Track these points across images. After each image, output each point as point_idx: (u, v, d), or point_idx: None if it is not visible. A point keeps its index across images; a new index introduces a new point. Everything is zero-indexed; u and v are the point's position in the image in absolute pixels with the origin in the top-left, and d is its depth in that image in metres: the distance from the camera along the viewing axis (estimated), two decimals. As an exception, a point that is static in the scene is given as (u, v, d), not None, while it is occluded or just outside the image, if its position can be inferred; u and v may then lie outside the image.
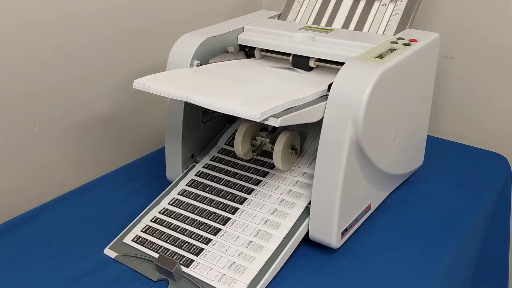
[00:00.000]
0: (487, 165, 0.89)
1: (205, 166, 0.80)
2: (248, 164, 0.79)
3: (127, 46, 0.95)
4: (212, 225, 0.70)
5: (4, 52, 0.78)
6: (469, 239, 0.76)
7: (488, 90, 0.99)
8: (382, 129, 0.69)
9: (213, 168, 0.80)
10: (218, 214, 0.72)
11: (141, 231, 0.71)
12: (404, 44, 0.72)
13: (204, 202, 0.74)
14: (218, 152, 0.82)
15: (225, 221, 0.70)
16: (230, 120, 0.87)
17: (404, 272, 0.66)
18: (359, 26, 0.82)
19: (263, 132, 0.76)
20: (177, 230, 0.70)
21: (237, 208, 0.72)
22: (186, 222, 0.71)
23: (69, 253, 0.70)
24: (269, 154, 0.79)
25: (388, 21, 0.81)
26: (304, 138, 0.79)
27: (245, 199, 0.73)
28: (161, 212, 0.74)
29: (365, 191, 0.71)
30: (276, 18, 0.90)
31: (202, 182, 0.77)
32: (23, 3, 0.78)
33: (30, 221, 0.77)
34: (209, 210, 0.73)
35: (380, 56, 0.67)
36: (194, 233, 0.69)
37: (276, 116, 0.59)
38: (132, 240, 0.70)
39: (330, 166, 0.64)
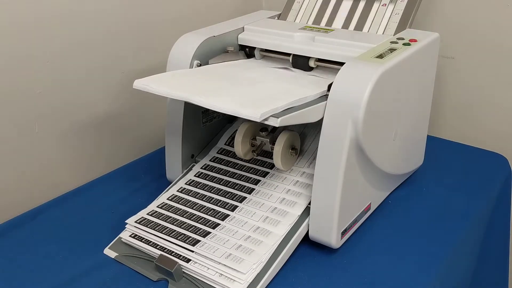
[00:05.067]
0: (487, 165, 0.89)
1: (204, 166, 0.80)
2: (248, 164, 0.79)
3: (127, 46, 0.95)
4: (210, 220, 0.70)
5: (4, 52, 0.78)
6: (469, 239, 0.76)
7: (488, 90, 0.99)
8: (382, 129, 0.69)
9: (213, 168, 0.80)
10: (217, 210, 0.72)
11: (137, 222, 0.71)
12: (404, 44, 0.72)
13: (204, 199, 0.74)
14: (217, 152, 0.82)
15: (224, 217, 0.70)
16: (230, 120, 0.87)
17: (404, 272, 0.66)
18: (359, 26, 0.82)
19: (263, 132, 0.76)
20: (175, 223, 0.70)
21: (236, 206, 0.72)
22: (184, 215, 0.71)
23: (69, 253, 0.70)
24: (269, 154, 0.78)
25: (388, 21, 0.81)
26: (304, 138, 0.79)
27: (244, 198, 0.73)
28: (159, 206, 0.74)
29: (365, 191, 0.71)
30: (276, 18, 0.90)
31: (202, 182, 0.77)
32: (23, 4, 0.78)
33: (30, 221, 0.77)
34: (207, 207, 0.73)
35: (380, 56, 0.67)
36: (192, 225, 0.69)
37: (276, 116, 0.59)
38: (130, 235, 0.70)
39: (330, 166, 0.64)
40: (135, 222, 0.71)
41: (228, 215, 0.71)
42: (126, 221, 0.71)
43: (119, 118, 0.98)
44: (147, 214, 0.72)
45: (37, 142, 0.85)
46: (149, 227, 0.69)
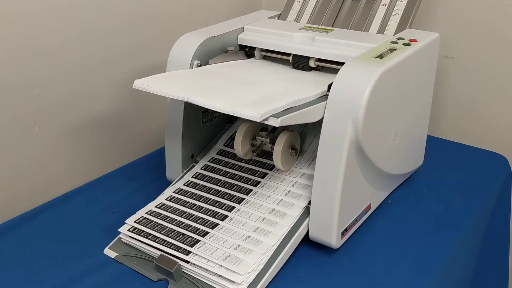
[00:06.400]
0: (487, 165, 0.89)
1: (204, 166, 0.80)
2: (247, 165, 0.79)
3: (127, 46, 0.95)
4: (209, 220, 0.70)
5: (4, 52, 0.78)
6: (469, 239, 0.76)
7: (488, 90, 0.99)
8: (382, 129, 0.69)
9: (213, 169, 0.80)
10: (216, 211, 0.72)
11: (136, 222, 0.71)
12: (404, 44, 0.72)
13: (201, 200, 0.74)
14: (217, 153, 0.82)
15: (223, 217, 0.70)
16: (230, 120, 0.87)
17: (404, 272, 0.66)
18: (359, 26, 0.82)
19: (263, 132, 0.76)
20: (173, 223, 0.70)
21: (234, 207, 0.72)
22: (181, 217, 0.71)
23: (69, 253, 0.70)
24: (269, 155, 0.78)
25: (388, 21, 0.81)
26: (304, 138, 0.79)
27: (243, 199, 0.73)
28: (158, 206, 0.74)
29: (365, 191, 0.71)
30: (276, 18, 0.90)
31: (201, 182, 0.77)
32: (23, 3, 0.78)
33: (30, 221, 0.77)
34: (206, 207, 0.73)
35: (380, 56, 0.67)
36: (190, 226, 0.69)
37: (276, 116, 0.59)
38: (129, 230, 0.70)
39: (330, 166, 0.64)
40: (128, 230, 0.70)
41: (227, 216, 0.71)
42: (119, 230, 0.71)
43: (119, 118, 0.98)
44: (144, 215, 0.72)
45: (37, 142, 0.85)
46: (141, 236, 0.69)
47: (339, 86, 0.63)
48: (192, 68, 0.75)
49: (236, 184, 0.76)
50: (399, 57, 0.68)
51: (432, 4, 1.00)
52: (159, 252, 0.66)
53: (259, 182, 0.76)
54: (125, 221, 0.71)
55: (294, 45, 0.78)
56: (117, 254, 0.69)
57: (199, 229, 0.69)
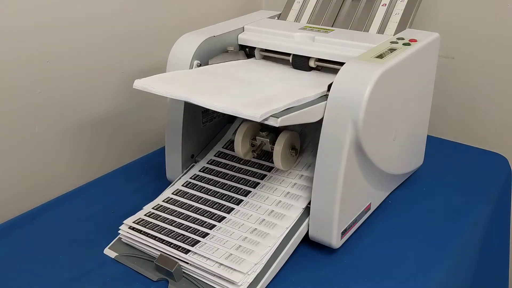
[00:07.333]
0: (487, 165, 0.89)
1: (204, 166, 0.80)
2: (246, 167, 0.79)
3: (127, 46, 0.95)
4: (206, 221, 0.70)
5: (4, 52, 0.78)
6: (469, 239, 0.76)
7: (488, 90, 0.99)
8: (382, 129, 0.69)
9: (213, 169, 0.80)
10: (215, 212, 0.72)
11: (135, 222, 0.71)
12: (404, 44, 0.72)
13: (201, 201, 0.74)
14: (217, 153, 0.82)
15: (221, 218, 0.70)
16: (230, 120, 0.87)
17: (404, 272, 0.66)
18: (359, 26, 0.82)
19: (263, 132, 0.76)
20: (172, 224, 0.70)
21: (234, 208, 0.72)
22: (180, 217, 0.71)
23: (69, 253, 0.70)
24: (269, 155, 0.78)
25: (388, 21, 0.81)
26: (304, 138, 0.79)
27: (243, 199, 0.73)
28: (155, 208, 0.74)
29: (365, 191, 0.71)
30: (276, 18, 0.90)
31: (201, 182, 0.77)
32: (23, 4, 0.78)
33: (30, 221, 0.77)
34: (204, 209, 0.73)
35: (380, 56, 0.67)
36: (190, 227, 0.69)
37: (276, 116, 0.59)
38: (129, 229, 0.70)
39: (330, 166, 0.64)
40: (129, 228, 0.70)
41: (226, 216, 0.71)
42: (120, 228, 0.71)
43: (119, 118, 0.98)
44: (144, 215, 0.72)
45: (37, 142, 0.85)
46: (141, 233, 0.69)
47: (339, 86, 0.63)
48: (192, 68, 0.75)
49: (236, 185, 0.76)
50: (399, 57, 0.68)
51: (432, 4, 1.00)
52: (159, 252, 0.66)
53: (258, 183, 0.75)
54: (124, 222, 0.71)
55: (294, 45, 0.78)
56: (117, 254, 0.69)
57: (199, 229, 0.69)
